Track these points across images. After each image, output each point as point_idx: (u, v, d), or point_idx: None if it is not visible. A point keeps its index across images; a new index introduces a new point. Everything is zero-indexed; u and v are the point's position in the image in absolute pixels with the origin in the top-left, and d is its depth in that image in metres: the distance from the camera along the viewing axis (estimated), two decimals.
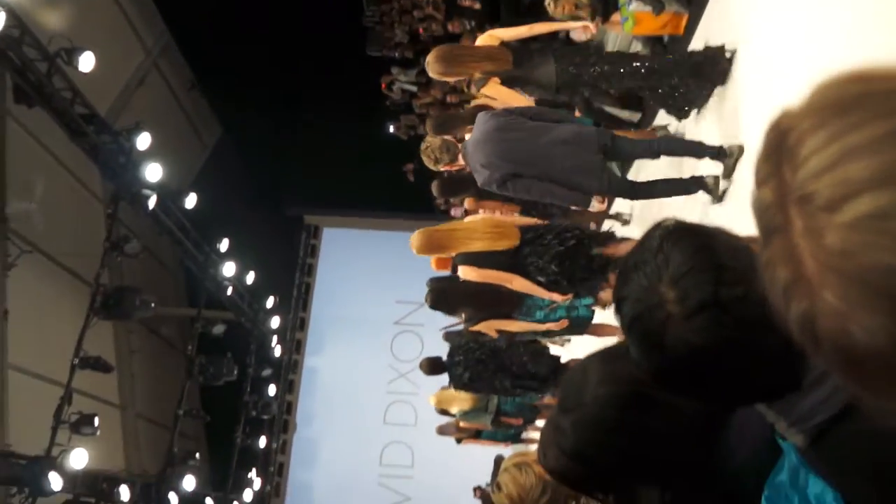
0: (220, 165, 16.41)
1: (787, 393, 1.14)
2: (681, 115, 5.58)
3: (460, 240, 5.32)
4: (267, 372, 16.04)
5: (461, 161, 5.38)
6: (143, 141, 10.30)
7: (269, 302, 15.65)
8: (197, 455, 12.95)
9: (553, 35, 7.70)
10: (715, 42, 5.47)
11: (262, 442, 16.02)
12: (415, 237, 5.41)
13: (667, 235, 1.14)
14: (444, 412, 9.16)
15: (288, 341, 17.51)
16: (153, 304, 10.96)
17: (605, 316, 6.08)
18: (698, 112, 5.60)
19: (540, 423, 8.89)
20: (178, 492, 11.99)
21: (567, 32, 6.74)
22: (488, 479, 11.03)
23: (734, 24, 5.46)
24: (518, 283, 5.47)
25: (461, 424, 9.34)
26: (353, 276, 18.16)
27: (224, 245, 13.45)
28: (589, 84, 5.34)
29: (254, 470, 15.57)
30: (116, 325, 13.41)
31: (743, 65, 5.23)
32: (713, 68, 5.31)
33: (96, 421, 9.90)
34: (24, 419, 10.76)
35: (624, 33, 6.79)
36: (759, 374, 1.08)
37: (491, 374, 6.74)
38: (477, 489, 12.17)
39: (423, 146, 5.73)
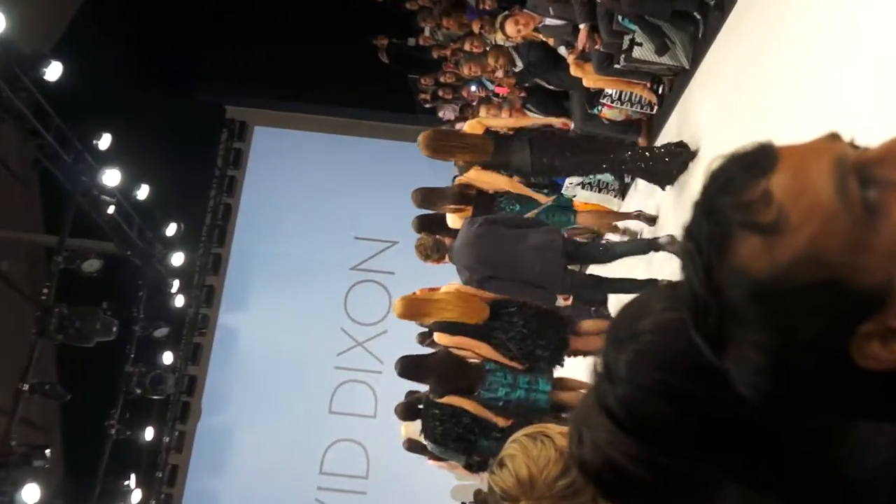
0: (98, 22, 15.41)
1: None
2: (662, 182, 7.79)
3: (436, 310, 7.65)
4: (162, 331, 15.55)
5: (447, 259, 7.86)
6: None
7: (170, 229, 15.09)
8: (47, 452, 12.31)
9: None
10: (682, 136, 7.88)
11: (149, 434, 15.56)
12: (397, 303, 7.82)
13: None
14: (413, 445, 10.67)
15: (195, 288, 17.44)
16: None
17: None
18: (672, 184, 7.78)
19: None
20: None
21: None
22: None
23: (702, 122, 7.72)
24: (484, 351, 7.74)
25: (431, 462, 10.97)
26: (294, 199, 18.04)
27: (104, 142, 12.70)
28: (563, 172, 8.25)
29: (133, 476, 15.01)
30: None
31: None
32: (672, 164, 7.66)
33: None
34: None
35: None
36: None
37: (458, 434, 8.69)
38: (479, 493, 12.35)
39: (416, 242, 8.14)
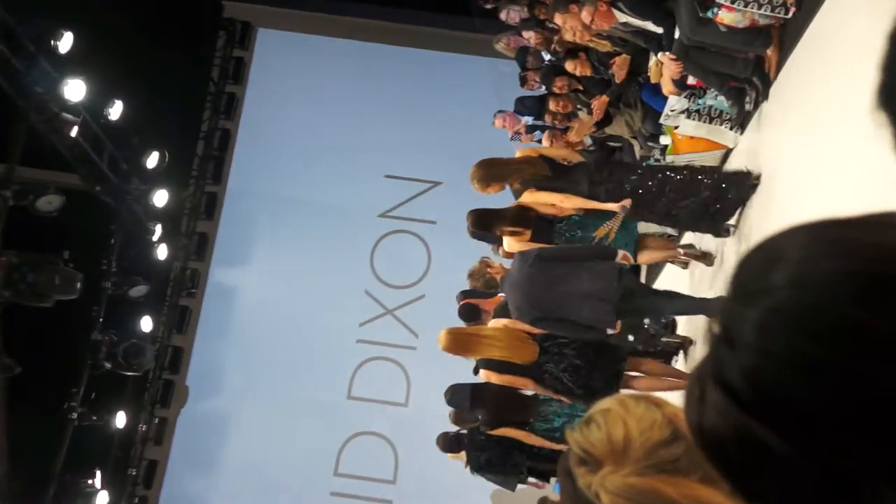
0: None
1: None
2: (718, 232, 9.17)
3: (483, 346, 9.08)
4: (139, 290, 15.94)
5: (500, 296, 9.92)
6: None
7: (152, 160, 15.24)
8: None
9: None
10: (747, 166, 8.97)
11: (121, 420, 15.74)
12: (442, 335, 9.02)
13: None
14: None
15: (183, 235, 17.83)
16: None
17: None
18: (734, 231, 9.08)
19: None
20: None
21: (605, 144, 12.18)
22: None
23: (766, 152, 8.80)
24: (533, 389, 9.32)
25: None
26: (309, 125, 18.18)
27: (65, 43, 12.89)
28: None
29: (98, 474, 15.29)
30: None
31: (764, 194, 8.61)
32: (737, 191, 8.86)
33: None
34: None
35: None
36: None
37: (504, 461, 10.71)
38: (545, 501, 12.51)
39: (469, 272, 10.93)
